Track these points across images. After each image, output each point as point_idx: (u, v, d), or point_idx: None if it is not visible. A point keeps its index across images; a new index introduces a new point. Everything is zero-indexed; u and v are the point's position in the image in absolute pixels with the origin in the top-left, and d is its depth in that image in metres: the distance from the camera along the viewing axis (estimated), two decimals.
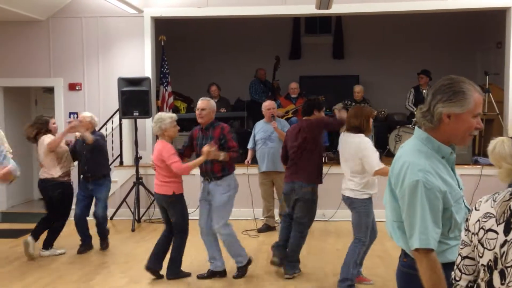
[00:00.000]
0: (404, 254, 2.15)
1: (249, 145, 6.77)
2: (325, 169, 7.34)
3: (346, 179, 4.52)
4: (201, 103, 4.83)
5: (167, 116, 4.82)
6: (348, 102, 8.46)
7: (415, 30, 10.08)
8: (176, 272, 4.77)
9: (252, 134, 6.75)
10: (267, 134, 6.55)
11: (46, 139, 5.54)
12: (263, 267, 5.16)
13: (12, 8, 7.20)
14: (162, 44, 8.23)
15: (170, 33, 8.59)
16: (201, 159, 4.54)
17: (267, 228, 6.75)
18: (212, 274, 4.82)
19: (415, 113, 7.70)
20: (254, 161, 6.89)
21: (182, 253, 4.81)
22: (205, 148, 4.48)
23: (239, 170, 7.32)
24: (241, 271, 4.84)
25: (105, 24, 7.96)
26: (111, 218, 7.36)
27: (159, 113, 4.91)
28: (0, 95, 8.14)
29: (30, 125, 5.68)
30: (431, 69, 8.77)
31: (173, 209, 4.74)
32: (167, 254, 4.81)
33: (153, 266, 4.74)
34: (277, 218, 6.91)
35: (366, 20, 9.54)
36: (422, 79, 8.65)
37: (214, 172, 4.68)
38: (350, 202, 4.46)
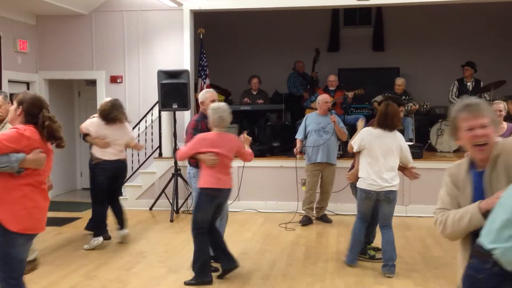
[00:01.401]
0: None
1: (299, 136, 6.74)
2: None
3: (384, 174, 4.63)
4: (212, 94, 4.84)
5: (227, 107, 4.53)
6: (388, 94, 8.30)
7: (458, 21, 9.75)
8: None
9: (303, 125, 6.74)
10: (320, 126, 6.58)
11: (129, 127, 5.80)
12: (300, 261, 5.14)
13: (56, 2, 7.40)
14: (201, 37, 8.28)
15: (208, 26, 8.63)
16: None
17: (308, 220, 6.72)
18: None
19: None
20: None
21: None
22: (245, 136, 4.58)
23: (286, 162, 7.36)
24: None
25: (145, 18, 8.08)
26: (150, 209, 7.51)
27: (220, 104, 4.55)
28: (45, 87, 8.41)
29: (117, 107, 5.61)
30: (475, 61, 8.48)
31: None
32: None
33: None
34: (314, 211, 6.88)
35: (407, 11, 9.30)
36: (467, 71, 8.38)
37: None
38: (393, 196, 4.68)
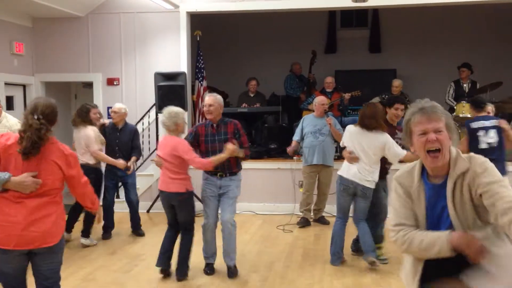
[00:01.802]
0: None
1: (296, 138, 6.74)
2: None
3: (362, 171, 4.79)
4: (209, 99, 4.73)
5: (181, 111, 4.69)
6: (385, 96, 8.31)
7: (454, 23, 9.79)
8: (186, 272, 4.63)
9: (300, 127, 6.75)
10: (316, 128, 6.58)
11: (91, 132, 5.72)
12: (298, 262, 5.13)
13: (53, 4, 7.39)
14: (198, 39, 8.28)
15: (205, 28, 8.64)
16: (224, 155, 4.43)
17: (306, 221, 6.73)
18: (212, 270, 4.81)
19: (454, 107, 7.49)
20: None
21: (191, 251, 4.69)
22: (231, 146, 4.40)
23: (283, 164, 7.36)
24: (236, 270, 4.74)
25: (142, 20, 8.07)
26: (148, 211, 7.48)
27: (172, 108, 4.69)
28: (42, 90, 8.38)
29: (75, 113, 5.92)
30: (471, 62, 8.51)
31: (185, 206, 4.60)
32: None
33: (164, 266, 4.68)
34: (311, 213, 6.88)
35: (404, 13, 9.33)
36: (463, 73, 8.40)
37: (230, 167, 4.68)
38: (368, 192, 4.85)
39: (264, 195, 7.47)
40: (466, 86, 8.38)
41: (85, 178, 3.09)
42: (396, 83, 8.34)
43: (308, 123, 6.69)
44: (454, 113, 7.50)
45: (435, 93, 8.91)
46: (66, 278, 4.67)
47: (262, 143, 8.11)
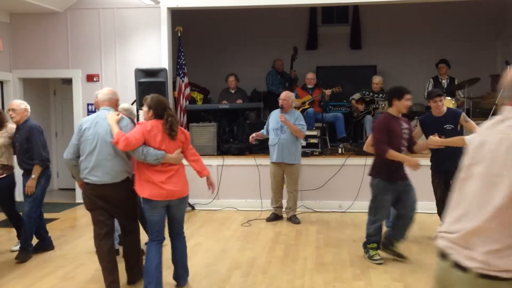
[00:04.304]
0: None
1: (263, 131, 6.75)
2: (342, 160, 7.37)
3: None
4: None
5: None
6: (366, 93, 8.40)
7: (434, 19, 9.92)
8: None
9: (267, 122, 6.75)
10: (279, 124, 6.50)
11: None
12: (280, 258, 5.16)
13: (31, 0, 7.26)
14: (179, 35, 8.23)
15: (186, 24, 8.59)
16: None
17: (275, 217, 6.76)
18: None
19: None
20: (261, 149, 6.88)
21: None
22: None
23: (265, 161, 7.38)
24: None
25: (122, 16, 7.99)
26: None
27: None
28: (20, 86, 8.25)
29: None
30: (450, 59, 8.64)
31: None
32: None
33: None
34: (283, 209, 6.88)
35: (384, 9, 9.42)
36: (442, 69, 8.52)
37: None
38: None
39: (246, 192, 7.49)
40: (444, 82, 8.50)
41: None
42: (377, 79, 8.42)
43: (273, 119, 6.62)
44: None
45: (415, 89, 8.96)
46: (44, 277, 4.63)
47: (244, 139, 8.12)
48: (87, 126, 4.09)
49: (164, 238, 4.11)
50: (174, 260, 4.31)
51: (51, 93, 9.17)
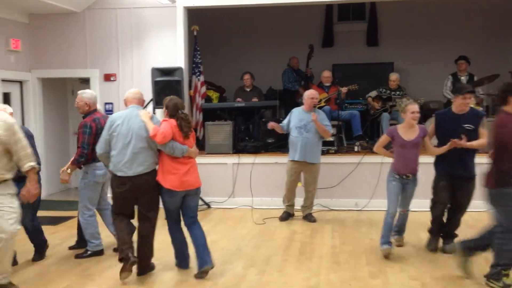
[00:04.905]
0: None
1: (283, 126, 6.62)
2: (358, 158, 7.33)
3: None
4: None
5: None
6: (383, 90, 8.32)
7: (452, 15, 9.78)
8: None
9: (287, 119, 6.61)
10: (302, 123, 6.41)
11: None
12: (295, 256, 5.15)
13: (49, 0, 7.36)
14: (195, 34, 8.26)
15: (202, 23, 8.62)
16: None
17: (288, 215, 6.72)
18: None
19: (452, 100, 7.44)
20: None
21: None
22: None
23: (281, 159, 7.38)
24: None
25: (139, 15, 8.05)
26: None
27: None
28: (39, 86, 8.37)
29: None
30: (469, 55, 8.51)
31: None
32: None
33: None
34: (297, 207, 6.85)
35: (401, 6, 9.31)
36: (461, 65, 8.38)
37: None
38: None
39: (262, 190, 7.49)
40: (464, 79, 8.38)
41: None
42: (393, 77, 8.34)
43: (295, 116, 6.53)
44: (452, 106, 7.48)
45: (433, 86, 8.97)
46: (63, 275, 4.70)
47: (260, 137, 8.12)
48: (120, 122, 4.44)
49: (180, 221, 4.61)
50: (196, 246, 4.52)
51: (69, 92, 9.29)
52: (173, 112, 4.47)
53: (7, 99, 7.71)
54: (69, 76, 8.58)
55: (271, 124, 6.65)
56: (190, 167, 4.49)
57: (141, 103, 4.72)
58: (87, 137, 4.98)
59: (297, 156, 6.42)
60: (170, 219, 4.61)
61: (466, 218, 5.25)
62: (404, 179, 5.00)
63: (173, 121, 4.45)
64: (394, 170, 5.04)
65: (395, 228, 5.29)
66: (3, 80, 7.51)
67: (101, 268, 4.86)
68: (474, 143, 4.82)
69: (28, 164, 4.02)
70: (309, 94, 6.53)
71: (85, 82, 8.68)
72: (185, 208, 4.57)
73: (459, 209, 5.12)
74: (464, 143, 4.78)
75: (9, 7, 7.61)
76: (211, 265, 4.52)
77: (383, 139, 5.21)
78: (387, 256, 4.95)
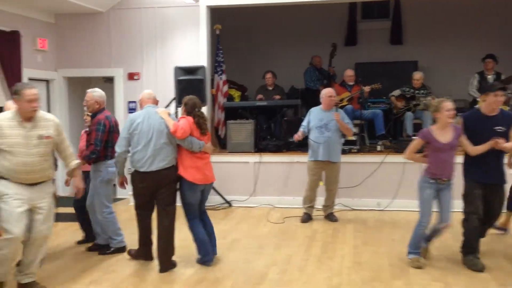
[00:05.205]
0: None
1: (302, 128, 6.53)
2: (381, 158, 7.26)
3: None
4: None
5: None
6: (406, 89, 8.22)
7: (479, 12, 9.59)
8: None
9: (307, 120, 6.53)
10: (323, 122, 6.35)
11: None
12: (317, 256, 5.14)
13: (75, 0, 7.49)
14: (217, 33, 8.30)
15: (225, 22, 8.65)
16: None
17: (308, 217, 6.63)
18: None
19: (478, 99, 7.29)
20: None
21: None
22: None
23: (302, 158, 7.36)
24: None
25: (162, 15, 8.12)
26: None
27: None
28: (64, 85, 8.53)
29: None
30: (495, 53, 8.33)
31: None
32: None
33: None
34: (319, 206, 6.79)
35: (426, 3, 9.19)
36: (488, 64, 8.21)
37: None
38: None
39: (283, 189, 7.48)
40: (490, 77, 8.21)
41: None
42: (417, 75, 8.23)
43: (314, 116, 6.46)
44: (478, 105, 7.35)
45: (458, 85, 8.81)
46: (86, 270, 4.78)
47: (281, 136, 8.11)
48: (140, 120, 4.67)
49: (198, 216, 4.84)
50: (208, 233, 4.90)
51: None
52: (191, 110, 4.72)
53: None
54: (94, 75, 8.70)
55: (297, 137, 6.51)
56: (206, 162, 4.78)
57: (156, 103, 4.97)
58: (100, 134, 5.03)
59: (320, 155, 6.36)
60: (190, 214, 4.77)
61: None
62: (439, 184, 4.56)
63: (190, 118, 4.68)
64: (428, 175, 4.59)
65: (425, 236, 4.84)
66: (30, 79, 7.67)
67: (124, 264, 4.93)
68: (507, 145, 4.48)
69: (75, 162, 4.34)
70: (327, 93, 6.47)
71: (109, 81, 8.81)
72: (199, 202, 4.83)
73: (489, 219, 4.80)
74: (505, 144, 4.44)
75: (36, 7, 7.77)
76: (215, 252, 4.96)
77: (416, 143, 4.68)
78: (416, 266, 4.65)
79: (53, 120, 4.15)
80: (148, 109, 4.79)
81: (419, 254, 4.77)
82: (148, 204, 4.77)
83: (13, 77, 7.12)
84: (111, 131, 5.10)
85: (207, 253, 4.82)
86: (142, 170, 4.60)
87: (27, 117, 3.96)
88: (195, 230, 4.78)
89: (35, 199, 4.00)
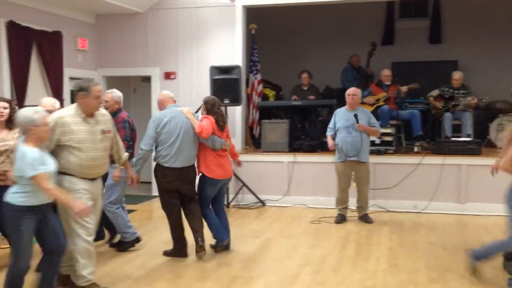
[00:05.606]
0: None
1: (330, 132, 6.48)
2: (418, 159, 7.12)
3: None
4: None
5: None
6: (445, 89, 8.03)
7: None
8: None
9: (333, 121, 6.47)
10: (349, 122, 6.29)
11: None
12: (351, 257, 5.08)
13: (115, 1, 7.66)
14: (253, 32, 8.33)
15: (260, 22, 8.67)
16: None
17: (343, 218, 6.56)
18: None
19: None
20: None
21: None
22: None
23: (319, 158, 7.31)
24: None
25: (199, 15, 8.21)
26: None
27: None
28: (104, 84, 8.71)
29: None
30: None
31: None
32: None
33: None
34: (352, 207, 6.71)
35: (466, 1, 8.95)
36: None
37: None
38: None
39: (317, 189, 7.44)
40: None
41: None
42: (456, 75, 8.02)
43: (340, 117, 6.39)
44: None
45: (499, 85, 8.55)
46: (123, 265, 4.87)
47: (316, 136, 8.07)
48: (167, 119, 4.85)
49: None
50: (224, 225, 5.21)
51: (132, 90, 9.62)
52: (211, 108, 5.03)
53: (74, 97, 8.07)
54: (132, 75, 8.87)
55: (332, 147, 6.42)
56: (226, 158, 5.12)
57: (174, 102, 5.12)
58: (128, 131, 5.14)
59: (349, 156, 6.30)
60: (204, 203, 5.09)
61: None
62: None
63: (212, 118, 4.97)
64: None
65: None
66: (71, 78, 7.88)
67: (158, 261, 5.00)
68: None
69: (126, 154, 4.58)
70: (349, 92, 6.43)
71: (146, 80, 8.96)
72: (218, 195, 5.20)
73: None
74: None
75: (77, 8, 7.98)
76: (228, 239, 5.21)
77: None
78: (473, 273, 4.41)
79: (108, 115, 4.29)
80: (173, 109, 4.97)
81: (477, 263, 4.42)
82: (175, 200, 4.97)
83: (55, 77, 7.35)
84: (132, 129, 5.25)
85: (222, 234, 5.11)
86: (166, 165, 4.83)
87: (89, 113, 4.05)
88: (209, 216, 5.08)
89: (95, 194, 4.08)
